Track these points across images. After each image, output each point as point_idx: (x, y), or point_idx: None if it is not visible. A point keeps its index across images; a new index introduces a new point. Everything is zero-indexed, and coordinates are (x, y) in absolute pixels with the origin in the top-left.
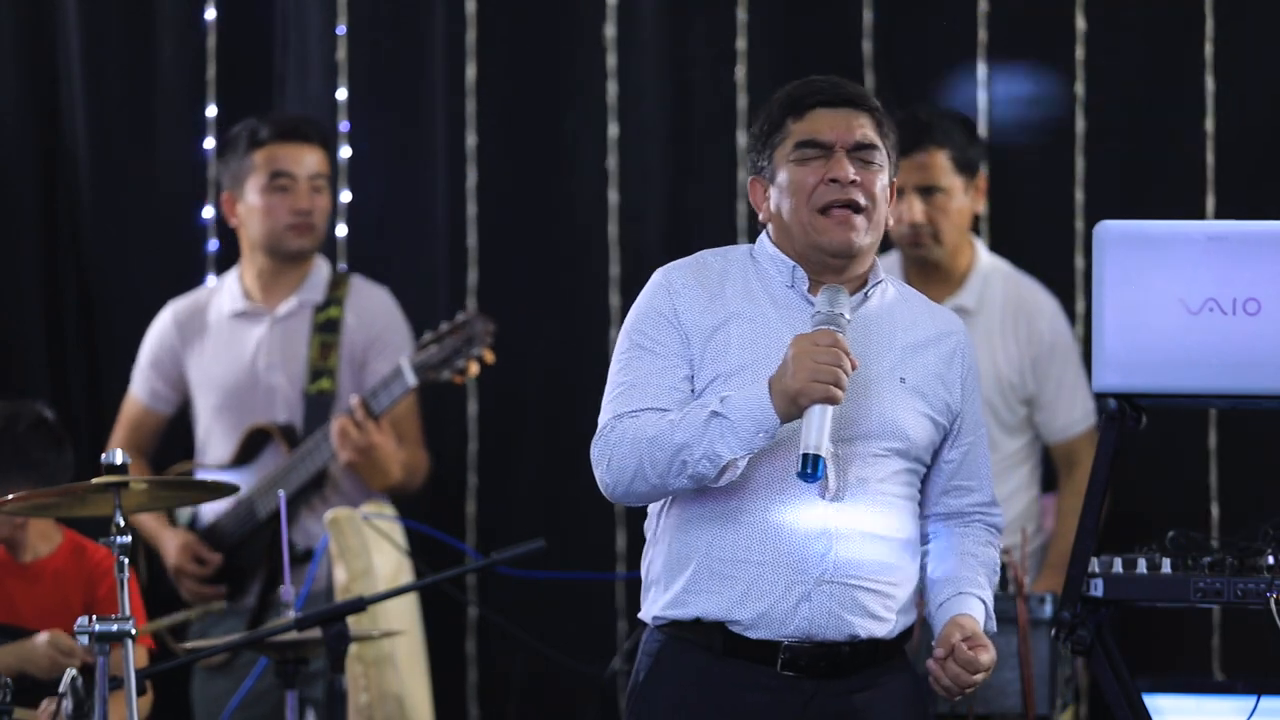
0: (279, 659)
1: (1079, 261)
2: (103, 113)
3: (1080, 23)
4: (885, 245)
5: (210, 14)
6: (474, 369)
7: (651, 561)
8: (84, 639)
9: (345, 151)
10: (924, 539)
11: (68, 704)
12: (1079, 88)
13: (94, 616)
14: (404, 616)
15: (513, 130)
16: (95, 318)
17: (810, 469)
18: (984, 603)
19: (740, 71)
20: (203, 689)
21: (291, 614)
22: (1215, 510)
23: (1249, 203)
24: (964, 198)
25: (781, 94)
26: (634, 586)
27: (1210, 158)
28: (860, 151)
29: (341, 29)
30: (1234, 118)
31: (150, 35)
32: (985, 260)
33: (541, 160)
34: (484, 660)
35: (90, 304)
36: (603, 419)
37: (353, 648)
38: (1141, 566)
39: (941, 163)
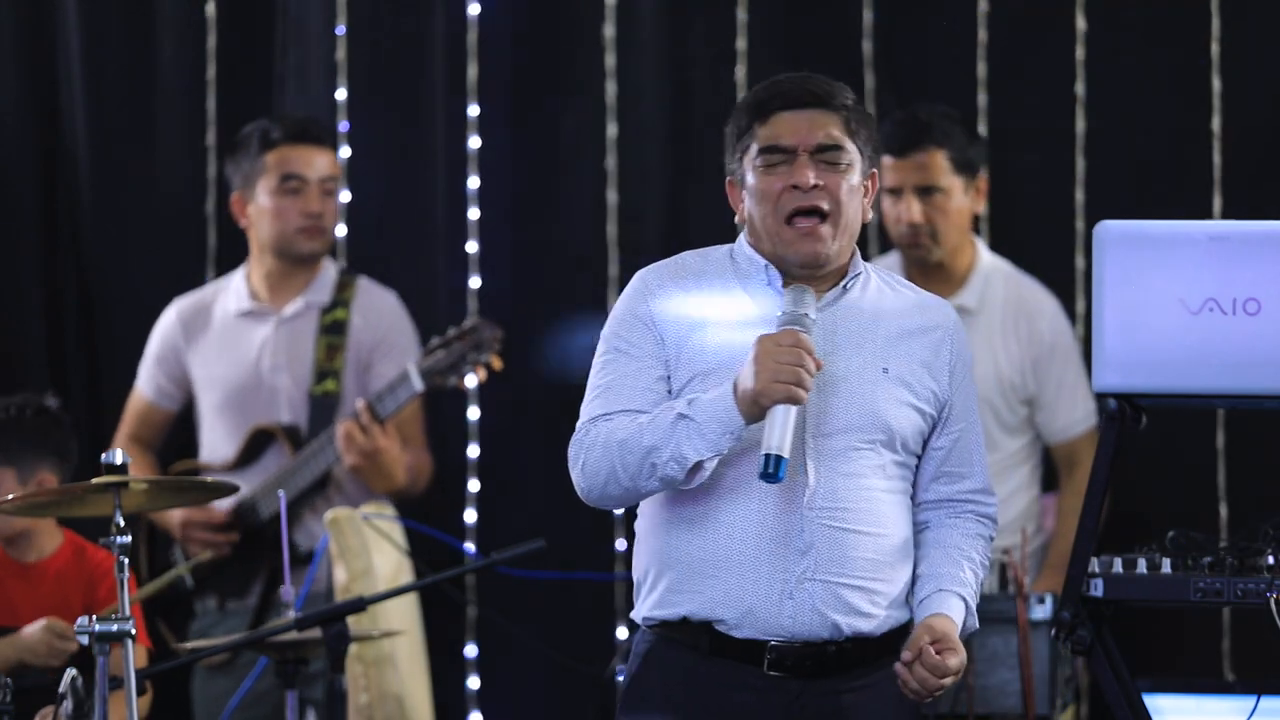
0: (279, 659)
1: (1079, 261)
2: (103, 113)
3: (1080, 23)
4: (886, 245)
5: (210, 14)
6: (481, 375)
7: (639, 562)
8: (84, 639)
9: (345, 151)
10: (917, 527)
11: (68, 704)
12: (1079, 88)
13: (94, 616)
14: (404, 616)
15: (512, 131)
16: (95, 318)
17: (772, 469)
18: (964, 600)
19: (740, 71)
20: (203, 689)
21: (291, 614)
22: (1223, 510)
23: (1255, 203)
24: (963, 198)
25: (748, 96)
26: (633, 587)
27: (1217, 158)
28: (824, 153)
29: (341, 29)
30: (1240, 117)
31: (150, 35)
32: (986, 260)
33: (541, 161)
34: (484, 660)
35: (90, 304)
36: (579, 423)
37: (353, 648)
38: (1141, 566)
39: (940, 163)
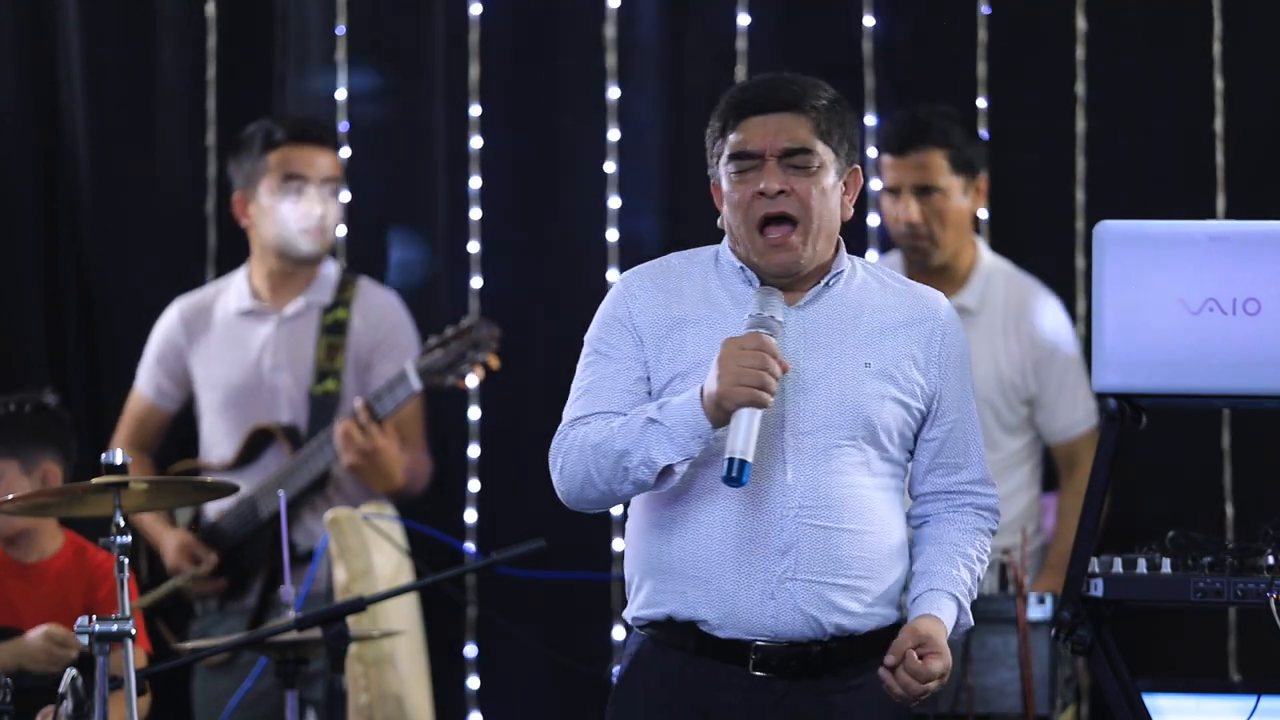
0: (279, 659)
1: (1079, 261)
2: (103, 113)
3: (1080, 23)
4: (888, 244)
5: (210, 14)
6: (479, 374)
7: (627, 563)
8: (84, 639)
9: (345, 151)
10: (915, 521)
11: (68, 704)
12: (1079, 87)
13: (94, 616)
14: (404, 616)
15: (513, 132)
16: (95, 318)
17: (735, 473)
18: (957, 598)
19: (740, 72)
20: (203, 689)
21: (291, 614)
22: (1229, 510)
23: (1257, 204)
24: (962, 198)
25: (723, 99)
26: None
27: (1219, 158)
28: (792, 157)
29: (341, 29)
30: (1242, 118)
31: (150, 35)
32: (988, 260)
33: (541, 162)
34: (484, 660)
35: (90, 304)
36: (560, 425)
37: (353, 648)
38: (1141, 566)
39: (938, 163)
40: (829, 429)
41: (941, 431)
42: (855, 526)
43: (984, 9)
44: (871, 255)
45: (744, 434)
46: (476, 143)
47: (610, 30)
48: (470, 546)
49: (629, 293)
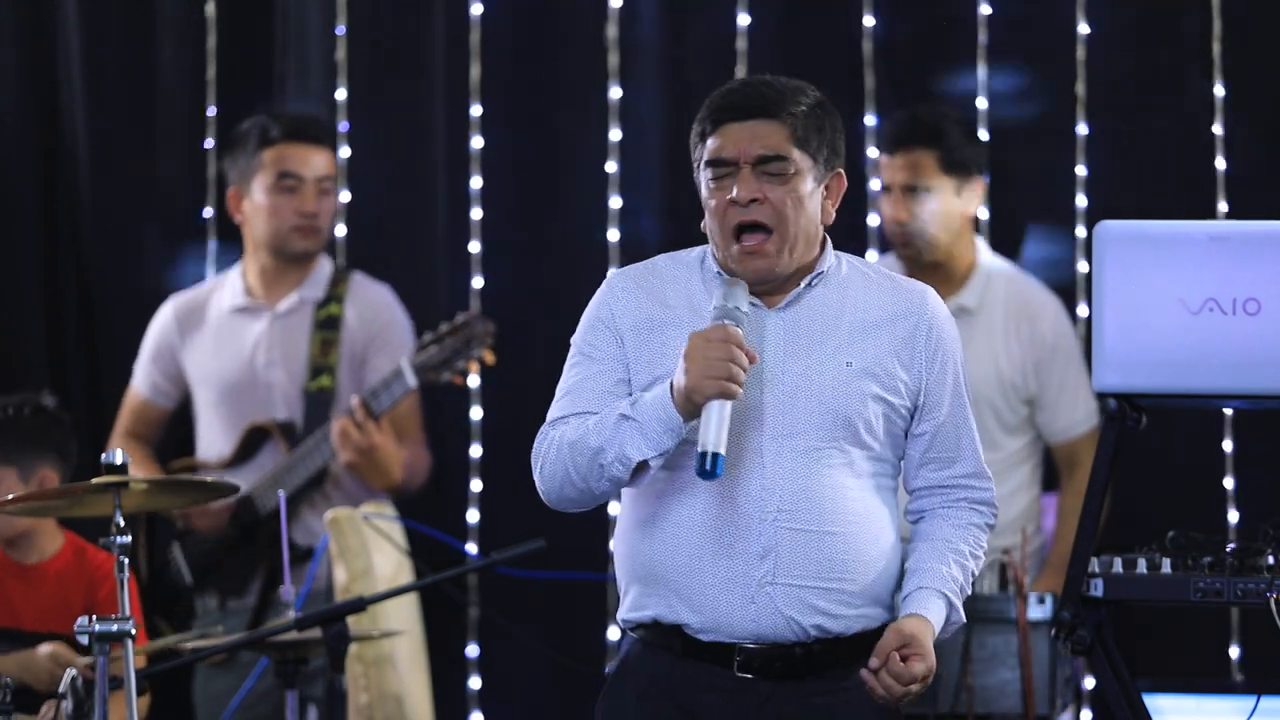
0: (279, 659)
1: (1080, 264)
2: (103, 113)
3: (1080, 23)
4: (887, 244)
5: (210, 14)
6: (474, 370)
7: (617, 563)
8: (84, 639)
9: (345, 151)
10: (911, 517)
11: (68, 704)
12: (1079, 88)
13: (94, 616)
14: (404, 616)
15: (513, 132)
16: (95, 318)
17: (709, 467)
18: (946, 596)
19: (740, 72)
20: (204, 688)
21: (291, 614)
22: (1231, 511)
23: (1258, 204)
24: (954, 199)
25: (705, 103)
26: None
27: (1219, 159)
28: (766, 165)
29: (341, 29)
30: (1242, 118)
31: (150, 35)
32: (988, 260)
33: (542, 162)
34: (484, 660)
35: (90, 304)
36: (542, 427)
37: (353, 648)
38: (1141, 566)
39: (928, 163)
40: (809, 431)
41: (931, 426)
42: (837, 529)
43: (984, 9)
44: (871, 255)
45: (715, 426)
46: (477, 143)
47: (611, 30)
48: (472, 547)
49: (612, 294)
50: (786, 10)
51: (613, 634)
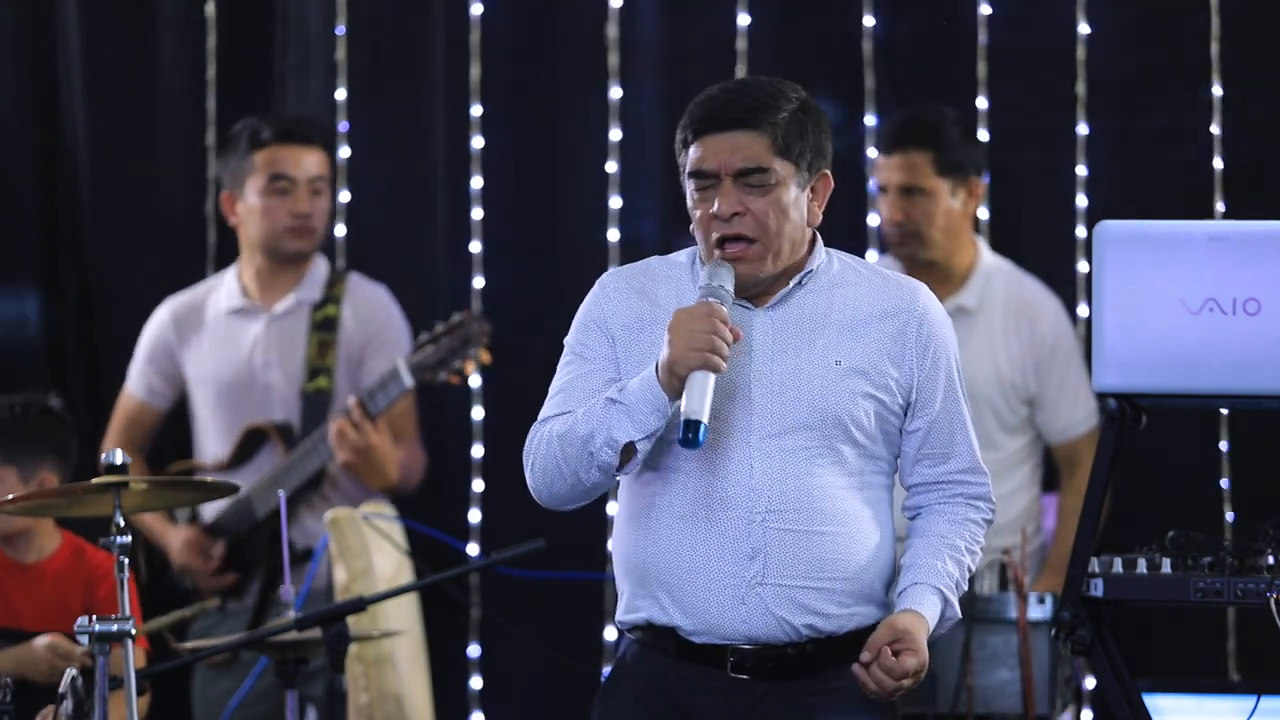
0: (279, 659)
1: (1080, 264)
2: (103, 113)
3: (1080, 23)
4: (886, 245)
5: (210, 14)
6: (470, 369)
7: (614, 564)
8: (84, 639)
9: (345, 151)
10: (909, 513)
11: (68, 704)
12: (1079, 88)
13: (94, 616)
14: (404, 616)
15: (513, 132)
16: (95, 318)
17: (691, 435)
18: (941, 592)
19: (740, 72)
20: (204, 688)
21: (291, 614)
22: (1229, 511)
23: (1258, 204)
24: (950, 200)
25: (686, 110)
26: None
27: (1218, 160)
28: (747, 176)
29: (341, 29)
30: (1242, 118)
31: (150, 35)
32: (988, 260)
33: (542, 162)
34: (484, 660)
35: (90, 304)
36: (533, 425)
37: (353, 648)
38: (1141, 566)
39: (923, 164)
40: (798, 431)
41: (924, 422)
42: (826, 528)
43: (984, 9)
44: (871, 255)
45: (697, 395)
46: (477, 143)
47: (611, 30)
48: (474, 547)
49: (604, 295)
50: (786, 10)
51: (611, 634)
